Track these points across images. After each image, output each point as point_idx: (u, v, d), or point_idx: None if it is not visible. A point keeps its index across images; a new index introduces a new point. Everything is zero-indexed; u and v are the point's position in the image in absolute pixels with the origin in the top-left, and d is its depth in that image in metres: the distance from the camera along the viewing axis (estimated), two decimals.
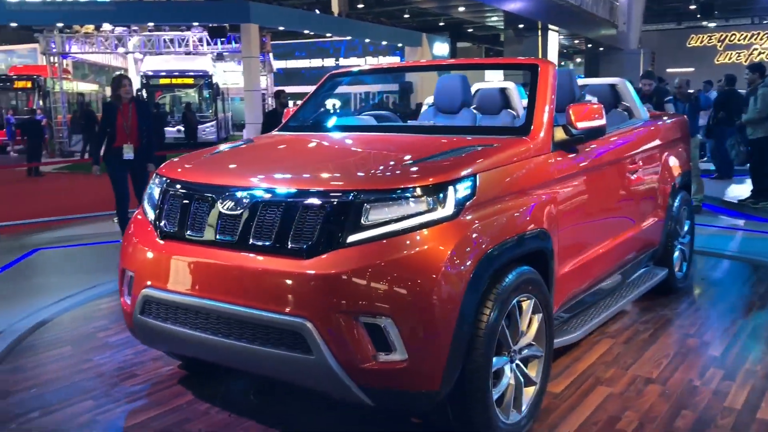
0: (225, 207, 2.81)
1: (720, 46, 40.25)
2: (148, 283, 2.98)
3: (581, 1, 32.26)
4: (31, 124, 18.21)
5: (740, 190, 10.29)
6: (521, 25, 28.15)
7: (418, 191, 2.62)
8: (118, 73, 17.34)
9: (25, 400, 3.51)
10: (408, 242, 2.54)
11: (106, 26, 25.76)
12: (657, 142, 4.80)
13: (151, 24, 25.88)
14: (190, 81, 26.77)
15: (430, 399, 2.62)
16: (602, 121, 3.43)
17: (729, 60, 38.41)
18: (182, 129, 23.54)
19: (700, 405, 3.33)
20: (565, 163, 3.42)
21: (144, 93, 25.32)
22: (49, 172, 17.53)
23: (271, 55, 31.41)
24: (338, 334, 2.51)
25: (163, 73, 26.76)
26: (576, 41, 40.11)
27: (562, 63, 55.31)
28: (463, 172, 2.75)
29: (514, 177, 3.02)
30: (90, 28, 25.62)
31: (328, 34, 30.88)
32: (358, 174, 2.85)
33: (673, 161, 4.97)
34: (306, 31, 28.42)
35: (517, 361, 2.98)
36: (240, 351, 2.71)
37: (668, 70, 40.12)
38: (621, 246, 4.17)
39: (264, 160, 3.36)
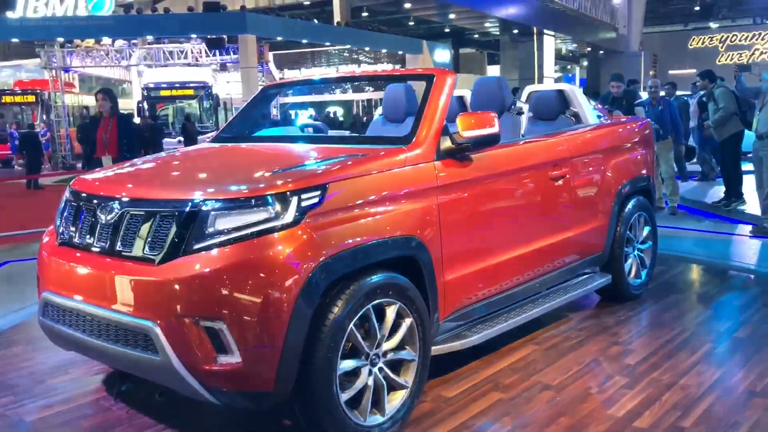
0: (102, 216, 3.01)
1: (721, 47, 40.14)
2: (46, 287, 3.21)
3: (579, 4, 32.43)
4: (29, 138, 18.48)
5: (720, 192, 10.29)
6: (516, 31, 28.25)
7: (260, 200, 2.73)
8: (100, 88, 17.66)
9: None
10: (244, 249, 2.66)
11: (107, 40, 26.11)
12: (597, 147, 4.76)
13: (150, 37, 26.21)
14: (191, 92, 27.01)
15: (268, 399, 2.75)
16: (492, 130, 3.42)
17: (730, 60, 38.25)
18: (182, 140, 23.80)
19: (582, 412, 3.32)
20: (453, 171, 3.45)
21: (145, 105, 25.62)
22: (49, 185, 17.80)
23: (271, 64, 31.71)
24: (181, 336, 2.64)
25: (164, 85, 27.03)
26: (575, 45, 40.10)
27: (568, 66, 55.28)
28: (308, 182, 2.85)
29: (375, 186, 3.07)
30: (90, 42, 26.00)
31: (327, 43, 31.07)
32: (210, 184, 3.01)
33: (623, 166, 4.92)
34: (304, 41, 28.61)
35: (381, 365, 3.04)
36: (108, 351, 2.89)
37: (670, 72, 40.10)
38: (539, 253, 4.14)
39: (148, 172, 3.57)
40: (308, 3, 30.18)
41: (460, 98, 5.05)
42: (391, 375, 3.10)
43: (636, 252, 5.17)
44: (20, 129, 25.23)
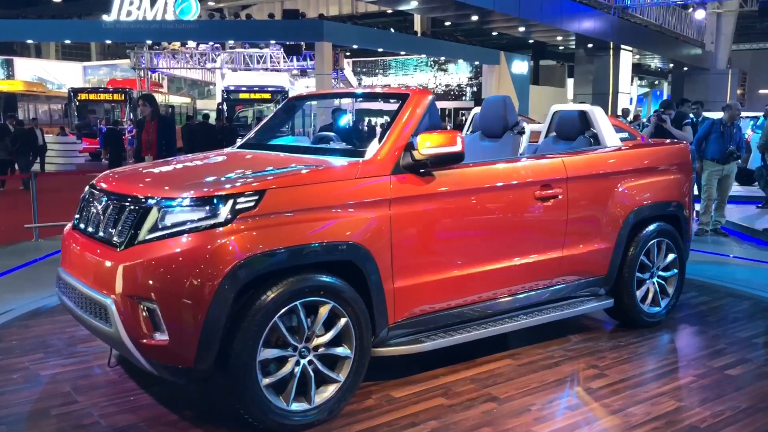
0: (96, 205, 3.49)
1: None
2: (61, 264, 3.71)
3: (663, 20, 31.64)
4: (113, 134, 19.70)
5: None
6: (590, 45, 27.83)
7: (198, 202, 3.10)
8: (143, 93, 18.59)
9: None
10: (178, 242, 3.03)
11: (191, 43, 27.44)
12: (602, 169, 4.62)
13: (232, 42, 27.37)
14: (268, 96, 27.92)
15: (190, 375, 3.09)
16: (454, 149, 3.53)
17: None
18: None
19: (506, 426, 3.35)
20: (410, 186, 3.59)
21: (225, 107, 26.74)
22: None
23: (348, 71, 32.48)
24: (128, 312, 3.04)
25: (243, 89, 28.04)
26: (663, 60, 38.98)
27: (656, 82, 53.77)
28: (243, 189, 3.15)
29: (316, 195, 3.29)
30: (176, 45, 27.40)
31: (402, 52, 31.54)
32: (170, 185, 3.32)
33: (638, 190, 4.73)
34: (380, 50, 29.18)
35: (311, 358, 3.27)
36: (87, 321, 3.34)
37: (760, 91, 38.54)
38: (514, 270, 4.13)
39: (139, 171, 3.95)
40: (391, 11, 30.73)
41: (582, 114, 5.08)
42: (322, 368, 3.31)
43: (655, 279, 4.93)
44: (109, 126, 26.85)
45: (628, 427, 3.37)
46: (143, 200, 3.21)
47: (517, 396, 3.72)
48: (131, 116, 28.27)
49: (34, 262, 7.06)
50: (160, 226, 3.10)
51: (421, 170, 3.64)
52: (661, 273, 4.97)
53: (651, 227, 4.81)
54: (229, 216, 3.06)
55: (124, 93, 28.50)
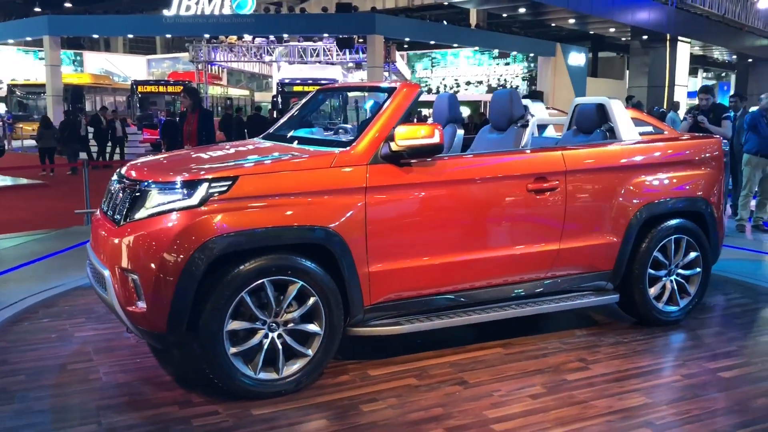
0: (114, 189, 3.88)
1: None
2: (90, 241, 4.13)
3: (725, 9, 30.69)
4: (169, 125, 20.49)
5: None
6: (645, 37, 27.25)
7: (175, 185, 3.43)
8: (184, 86, 19.41)
9: None
10: (157, 221, 3.38)
11: (248, 37, 28.15)
12: (608, 163, 4.56)
13: (287, 35, 27.95)
14: None
15: (164, 339, 3.45)
16: (432, 140, 3.67)
17: None
18: None
19: (460, 407, 3.46)
20: (388, 175, 3.77)
21: (279, 99, 27.36)
22: None
23: (400, 63, 32.68)
24: (118, 282, 3.44)
25: (297, 81, 28.64)
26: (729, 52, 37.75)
27: (723, 75, 52.03)
28: (216, 174, 3.45)
29: (290, 181, 3.54)
30: (233, 38, 28.16)
31: (455, 45, 31.53)
32: (164, 171, 3.64)
33: (652, 184, 4.66)
34: (432, 42, 29.27)
35: (281, 332, 3.55)
36: (98, 292, 3.75)
37: None
38: (502, 260, 4.19)
39: (154, 159, 4.31)
40: (446, 3, 30.78)
41: (600, 106, 4.98)
42: (291, 343, 3.57)
43: (673, 277, 4.81)
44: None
45: (581, 418, 3.40)
46: (138, 184, 3.59)
47: (486, 382, 3.80)
48: None
49: (84, 243, 7.63)
50: (147, 207, 3.47)
51: (401, 161, 3.81)
52: (681, 271, 4.83)
53: (668, 223, 4.70)
54: (203, 199, 3.38)
55: (183, 85, 29.46)
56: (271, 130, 4.88)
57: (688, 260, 4.86)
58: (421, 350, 4.24)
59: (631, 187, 4.59)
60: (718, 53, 39.64)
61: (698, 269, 4.88)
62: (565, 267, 4.45)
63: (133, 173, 3.74)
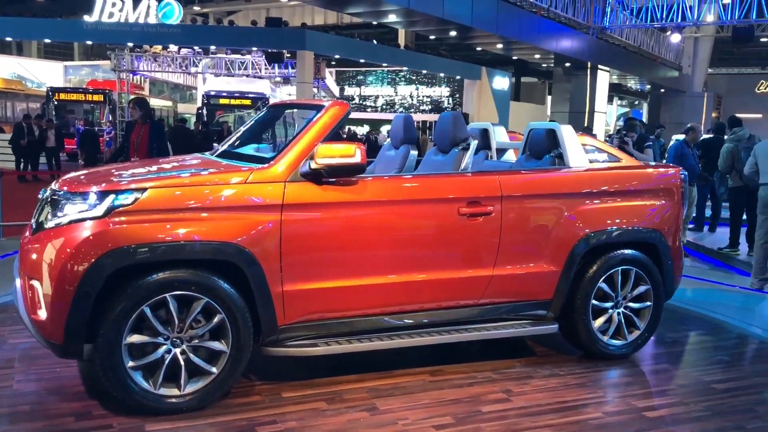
0: (42, 200, 3.81)
1: None
2: None
3: (641, 41, 32.22)
4: (88, 135, 19.68)
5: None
6: (568, 64, 28.30)
7: (82, 196, 3.44)
8: (133, 97, 18.82)
9: None
10: (63, 230, 3.39)
11: (173, 47, 27.46)
12: (547, 190, 4.47)
13: (214, 47, 27.43)
14: (248, 102, 28.04)
15: (61, 350, 3.39)
16: (352, 160, 3.64)
17: None
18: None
19: None
20: (307, 194, 3.70)
21: (205, 111, 26.76)
22: None
23: (329, 80, 32.62)
24: (25, 289, 3.45)
25: (224, 94, 28.18)
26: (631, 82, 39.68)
27: (636, 102, 54.55)
28: (121, 187, 3.46)
29: (199, 196, 3.51)
30: (158, 48, 27.40)
31: (384, 64, 31.78)
32: (79, 183, 3.64)
33: (596, 213, 4.52)
34: (362, 60, 29.38)
35: (184, 348, 3.49)
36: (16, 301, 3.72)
37: (735, 115, 39.23)
38: (426, 285, 4.08)
39: (81, 171, 4.23)
40: (376, 23, 30.94)
41: (551, 132, 4.88)
42: (194, 359, 3.51)
43: (621, 310, 4.64)
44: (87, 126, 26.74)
45: None
46: (54, 193, 3.61)
47: (397, 409, 3.72)
48: (110, 118, 28.27)
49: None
50: (58, 216, 3.46)
51: (322, 180, 3.73)
52: (630, 304, 4.66)
53: (614, 254, 4.55)
54: (107, 210, 3.36)
55: (103, 94, 28.45)
56: (225, 146, 4.70)
57: (638, 293, 4.67)
58: (345, 373, 4.15)
59: (574, 216, 4.44)
60: (633, 82, 41.58)
61: (648, 303, 4.70)
62: (499, 294, 4.32)
63: (58, 184, 3.73)
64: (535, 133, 5.00)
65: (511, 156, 5.64)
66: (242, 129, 4.95)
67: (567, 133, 4.79)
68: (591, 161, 4.80)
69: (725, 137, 9.88)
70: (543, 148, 4.88)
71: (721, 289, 7.37)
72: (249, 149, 4.58)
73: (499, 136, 5.38)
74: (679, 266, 4.90)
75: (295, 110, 5.37)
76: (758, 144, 7.60)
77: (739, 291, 7.29)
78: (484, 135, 5.32)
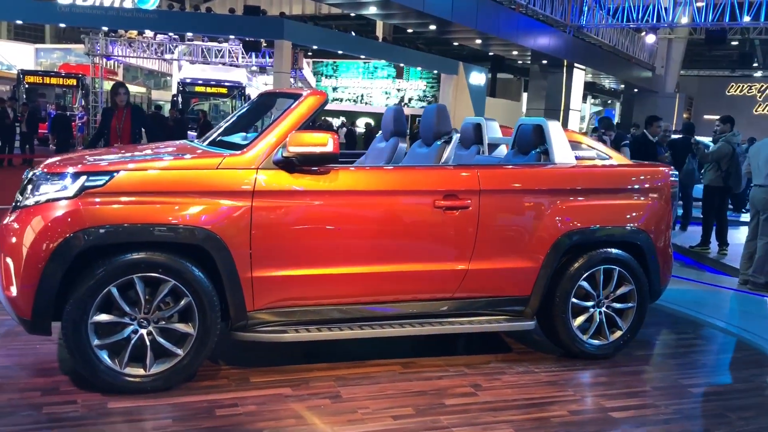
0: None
1: (759, 96, 39.91)
2: None
3: (616, 41, 32.58)
4: (61, 119, 19.35)
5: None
6: (545, 62, 28.52)
7: (55, 176, 3.53)
8: (116, 81, 18.58)
9: None
10: (36, 209, 3.48)
11: (149, 33, 27.09)
12: (532, 187, 4.41)
13: (190, 34, 27.13)
14: (224, 90, 27.77)
15: (30, 326, 3.48)
16: (325, 149, 3.66)
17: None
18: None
19: (311, 422, 3.44)
20: (279, 181, 3.73)
21: (180, 98, 26.44)
22: None
23: (307, 70, 32.47)
24: (0, 266, 3.52)
25: (200, 81, 27.84)
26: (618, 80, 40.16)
27: (609, 101, 55.12)
28: (92, 168, 3.54)
29: (170, 181, 3.58)
30: (134, 33, 27.01)
31: (362, 56, 31.69)
32: (55, 165, 3.71)
33: (577, 211, 4.46)
34: (340, 52, 29.26)
35: (151, 329, 3.57)
36: None
37: (705, 116, 39.92)
38: (397, 276, 4.07)
39: (68, 155, 4.28)
40: (354, 15, 30.81)
41: (537, 127, 4.85)
42: (160, 340, 3.58)
43: (602, 309, 4.57)
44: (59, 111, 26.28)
45: None
46: (32, 174, 3.71)
47: (359, 398, 3.73)
48: (83, 103, 27.80)
49: None
50: (33, 195, 3.56)
51: (295, 167, 3.77)
52: (613, 304, 4.59)
53: (595, 252, 4.49)
54: (78, 191, 3.44)
55: (76, 78, 27.93)
56: (215, 134, 4.67)
57: (621, 293, 4.61)
58: (317, 361, 4.18)
59: (554, 212, 4.39)
60: (607, 81, 42.01)
61: (632, 303, 4.63)
62: (475, 289, 4.30)
63: (40, 166, 3.80)
64: (523, 128, 4.97)
65: (504, 151, 5.75)
66: (233, 117, 4.94)
67: (554, 129, 4.76)
68: (579, 158, 4.78)
69: (719, 136, 9.93)
70: (530, 143, 4.87)
71: (709, 290, 7.38)
72: (237, 137, 4.54)
73: (491, 131, 5.41)
74: (668, 267, 4.84)
75: (287, 100, 5.34)
76: (752, 146, 7.76)
77: (737, 294, 7.19)
78: (477, 130, 5.29)
